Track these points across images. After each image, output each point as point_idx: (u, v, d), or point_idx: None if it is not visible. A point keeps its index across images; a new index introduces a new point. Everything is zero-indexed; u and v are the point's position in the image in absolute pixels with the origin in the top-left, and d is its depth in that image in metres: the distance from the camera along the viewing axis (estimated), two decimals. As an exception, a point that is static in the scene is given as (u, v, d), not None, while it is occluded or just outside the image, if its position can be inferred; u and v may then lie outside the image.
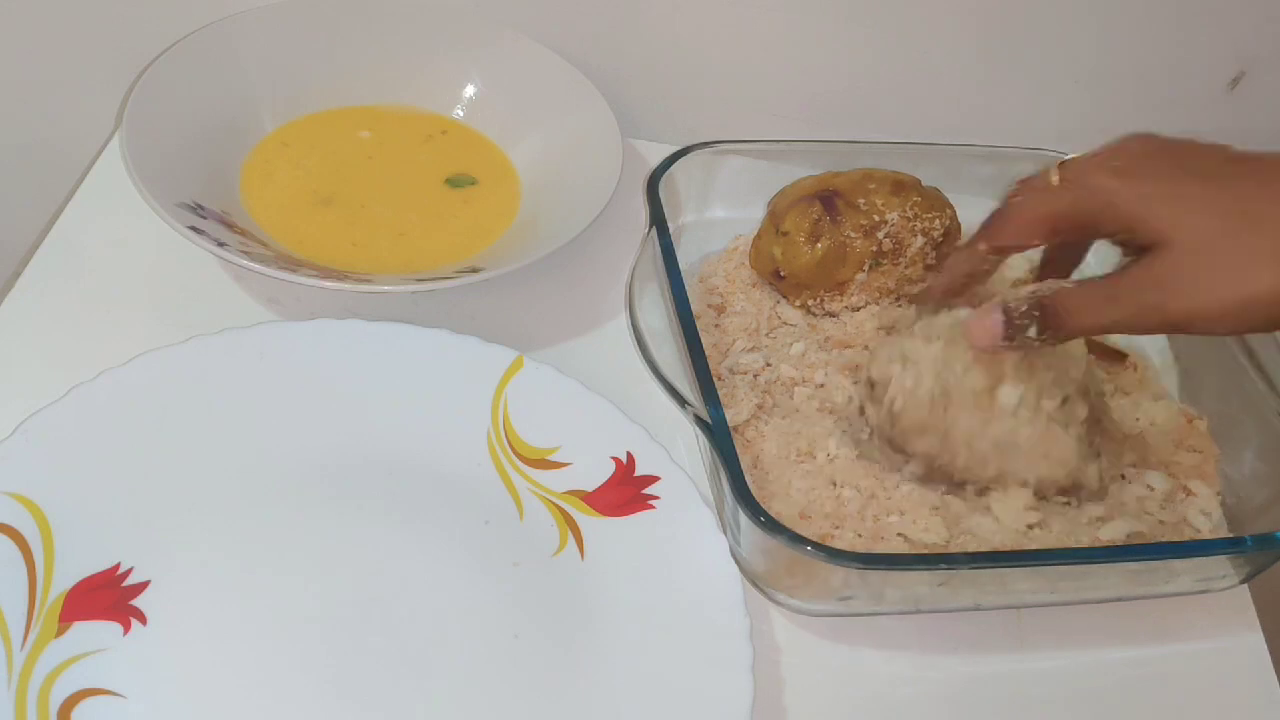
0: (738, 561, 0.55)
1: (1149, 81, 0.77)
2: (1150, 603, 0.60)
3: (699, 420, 0.55)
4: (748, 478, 0.53)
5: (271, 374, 0.56)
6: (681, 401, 0.55)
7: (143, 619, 0.50)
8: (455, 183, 0.71)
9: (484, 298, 0.65)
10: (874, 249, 0.63)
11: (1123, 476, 0.61)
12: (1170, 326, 0.49)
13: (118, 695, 0.47)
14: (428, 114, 0.74)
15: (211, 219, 0.62)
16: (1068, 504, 0.58)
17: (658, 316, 0.61)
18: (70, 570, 0.50)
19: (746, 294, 0.67)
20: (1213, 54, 0.76)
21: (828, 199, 0.63)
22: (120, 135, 0.64)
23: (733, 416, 0.59)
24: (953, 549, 0.56)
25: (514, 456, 0.58)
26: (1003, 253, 0.56)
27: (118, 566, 0.51)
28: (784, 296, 0.66)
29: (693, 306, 0.59)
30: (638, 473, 0.58)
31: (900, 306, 0.65)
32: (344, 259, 0.65)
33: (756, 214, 0.67)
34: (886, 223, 0.62)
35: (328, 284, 0.59)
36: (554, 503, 0.57)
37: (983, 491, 0.57)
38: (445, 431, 0.58)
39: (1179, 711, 0.57)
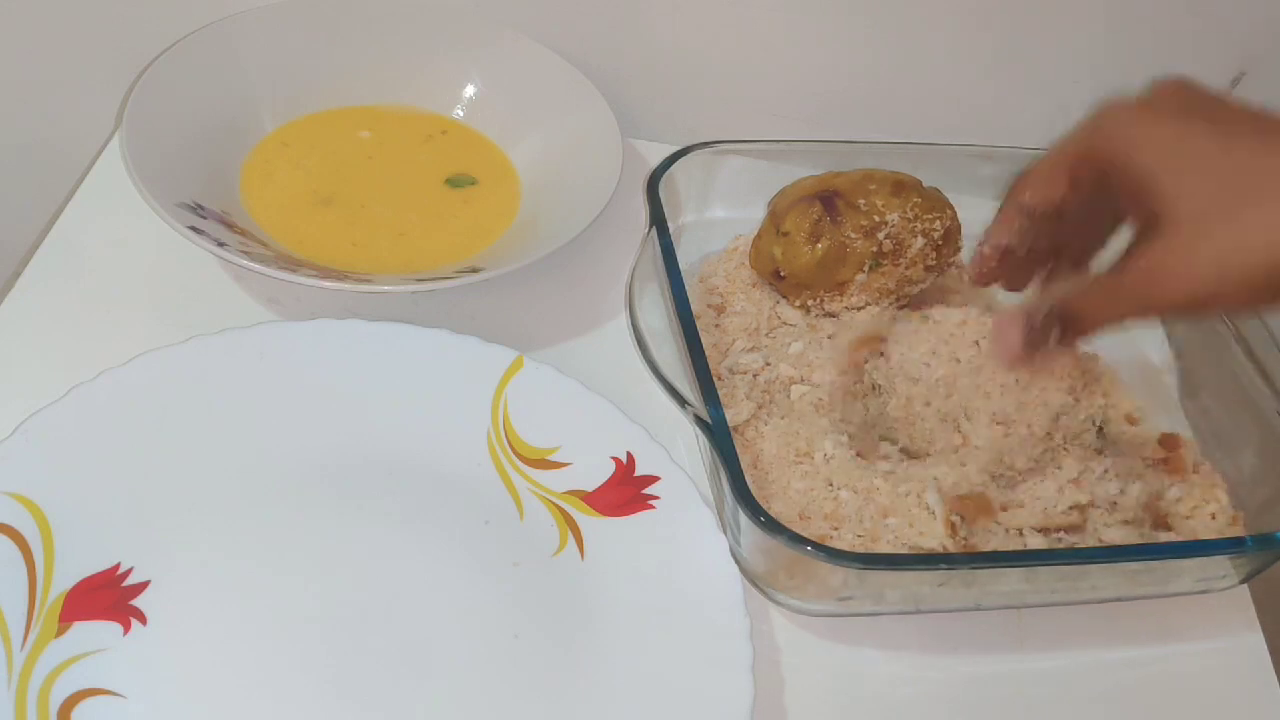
0: (738, 561, 0.55)
1: (1149, 81, 0.77)
2: (1150, 603, 0.60)
3: (699, 420, 0.55)
4: (747, 478, 0.53)
5: (271, 374, 0.56)
6: (681, 401, 0.55)
7: (143, 619, 0.50)
8: (455, 183, 0.71)
9: (484, 298, 0.65)
10: (874, 249, 0.63)
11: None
12: (1180, 310, 0.48)
13: (118, 695, 0.47)
14: (428, 114, 0.74)
15: (211, 219, 0.62)
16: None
17: (658, 316, 0.61)
18: (70, 570, 0.50)
19: (746, 294, 0.67)
20: (1213, 54, 0.76)
21: (828, 199, 0.63)
22: (120, 135, 0.64)
23: (733, 416, 0.59)
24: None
25: (514, 456, 0.58)
26: (1034, 212, 0.52)
27: (118, 566, 0.51)
28: (784, 296, 0.66)
29: (693, 306, 0.59)
30: (638, 473, 0.58)
31: (901, 308, 0.65)
32: (344, 259, 0.65)
33: (756, 214, 0.67)
34: (887, 223, 0.62)
35: (328, 284, 0.59)
36: (554, 503, 0.57)
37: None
38: (445, 431, 0.58)
39: (1179, 711, 0.57)
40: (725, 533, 0.56)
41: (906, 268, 0.64)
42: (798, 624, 0.57)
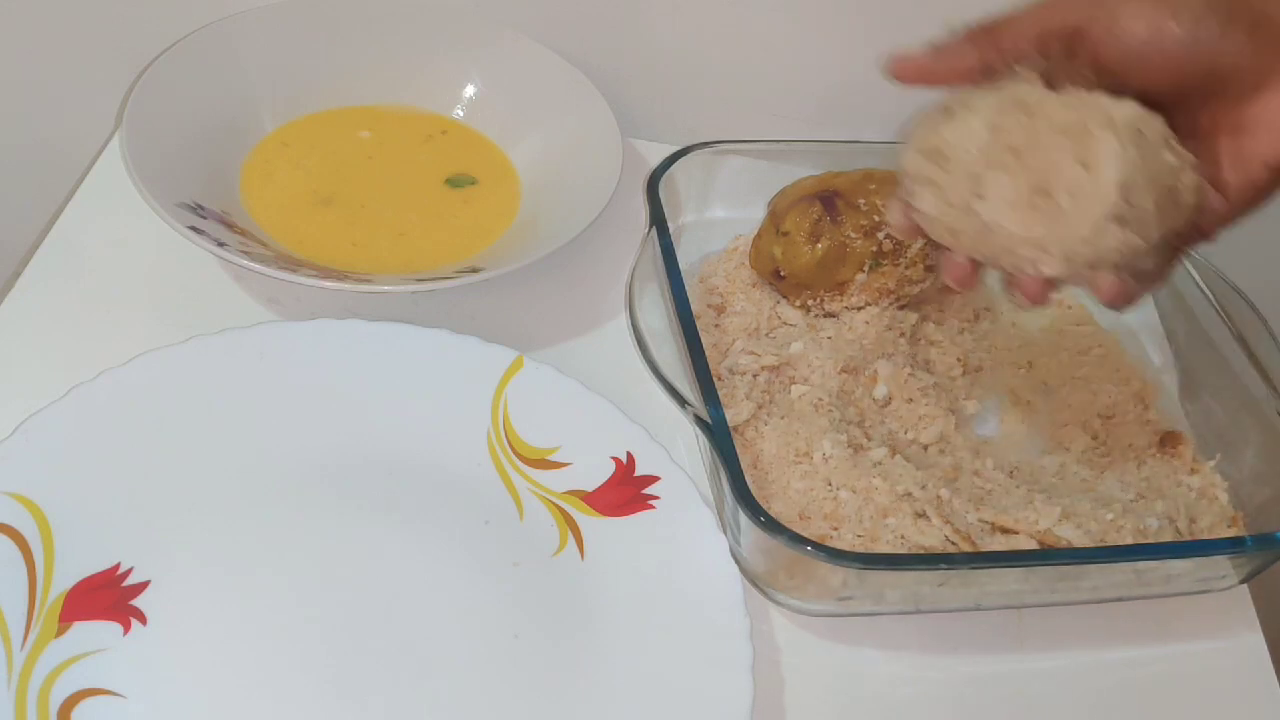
0: (738, 561, 0.55)
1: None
2: (1150, 603, 0.60)
3: (699, 420, 0.55)
4: (747, 478, 0.53)
5: (271, 374, 0.56)
6: (681, 401, 0.55)
7: (143, 619, 0.50)
8: (455, 183, 0.71)
9: (484, 298, 0.65)
10: (874, 249, 0.63)
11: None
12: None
13: (118, 695, 0.47)
14: (428, 114, 0.74)
15: (211, 219, 0.62)
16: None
17: (658, 316, 0.61)
18: (70, 570, 0.50)
19: (746, 294, 0.67)
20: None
21: (828, 199, 0.63)
22: (120, 135, 0.64)
23: (732, 416, 0.59)
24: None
25: (514, 456, 0.58)
26: (1001, 55, 0.50)
27: (118, 566, 0.51)
28: (784, 296, 0.66)
29: (693, 306, 0.59)
30: (638, 473, 0.58)
31: (901, 308, 0.65)
32: (344, 259, 0.65)
33: (756, 214, 0.67)
34: (887, 223, 0.62)
35: (328, 284, 0.59)
36: (554, 503, 0.57)
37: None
38: (445, 431, 0.58)
39: (1179, 711, 0.57)
40: (725, 533, 0.56)
41: (906, 267, 0.64)
42: (798, 624, 0.56)
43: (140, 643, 0.49)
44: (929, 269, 0.64)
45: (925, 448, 0.62)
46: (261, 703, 0.49)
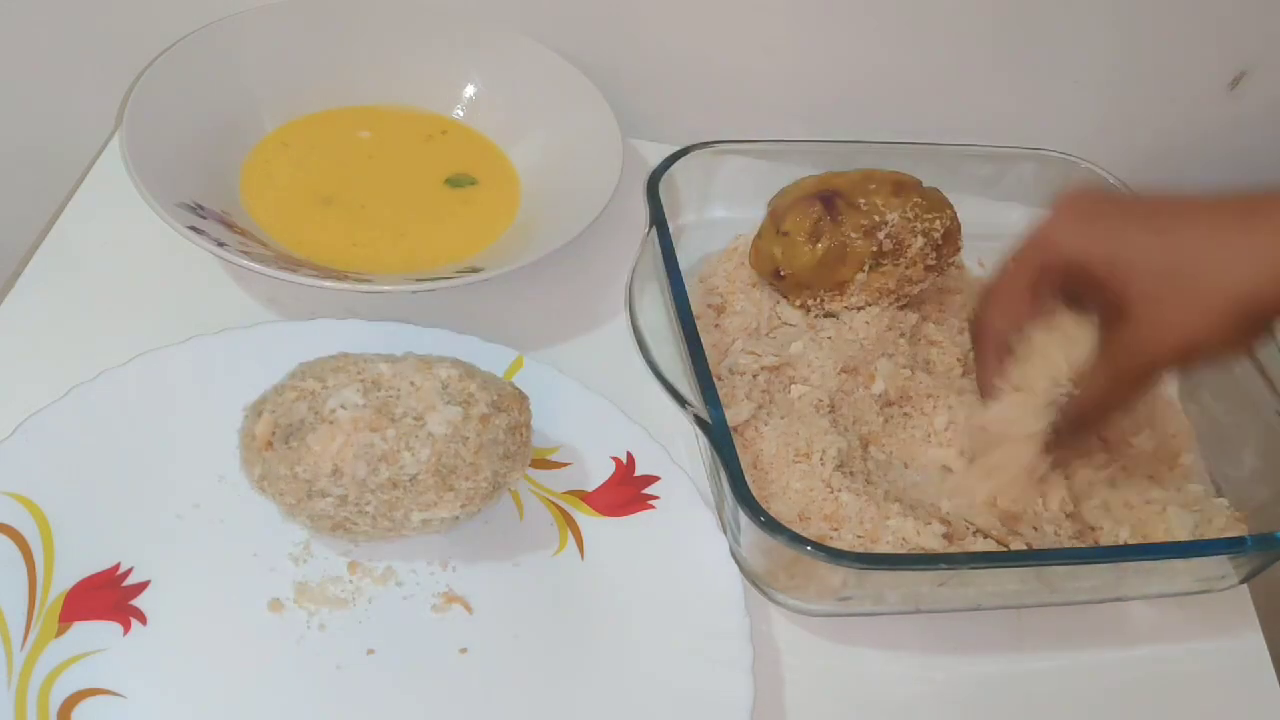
0: (738, 561, 0.55)
1: (1149, 81, 0.77)
2: (1150, 603, 0.60)
3: (699, 420, 0.55)
4: (747, 478, 0.53)
5: (271, 374, 0.56)
6: (681, 401, 0.55)
7: (143, 619, 0.50)
8: (455, 183, 0.71)
9: (484, 298, 0.65)
10: (874, 249, 0.63)
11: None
12: (1166, 367, 0.53)
13: (118, 695, 0.47)
14: (428, 114, 0.74)
15: (211, 219, 0.62)
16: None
17: (658, 316, 0.61)
18: (70, 570, 0.50)
19: (746, 294, 0.67)
20: (1213, 54, 0.76)
21: (828, 199, 0.63)
22: (120, 135, 0.64)
23: (732, 416, 0.59)
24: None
25: (514, 456, 0.58)
26: (1001, 335, 0.57)
27: (118, 566, 0.51)
28: (784, 296, 0.66)
29: (693, 306, 0.59)
30: (638, 473, 0.58)
31: (901, 308, 0.65)
32: (344, 259, 0.65)
33: (756, 214, 0.67)
34: (887, 223, 0.62)
35: (328, 284, 0.59)
36: (554, 503, 0.57)
37: None
38: (445, 431, 0.58)
39: (1179, 711, 0.57)
40: (725, 533, 0.56)
41: (906, 267, 0.64)
42: (798, 624, 0.56)
43: (140, 643, 0.49)
44: (929, 269, 0.64)
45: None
46: (261, 702, 0.49)
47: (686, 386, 0.56)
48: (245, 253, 0.60)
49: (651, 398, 0.58)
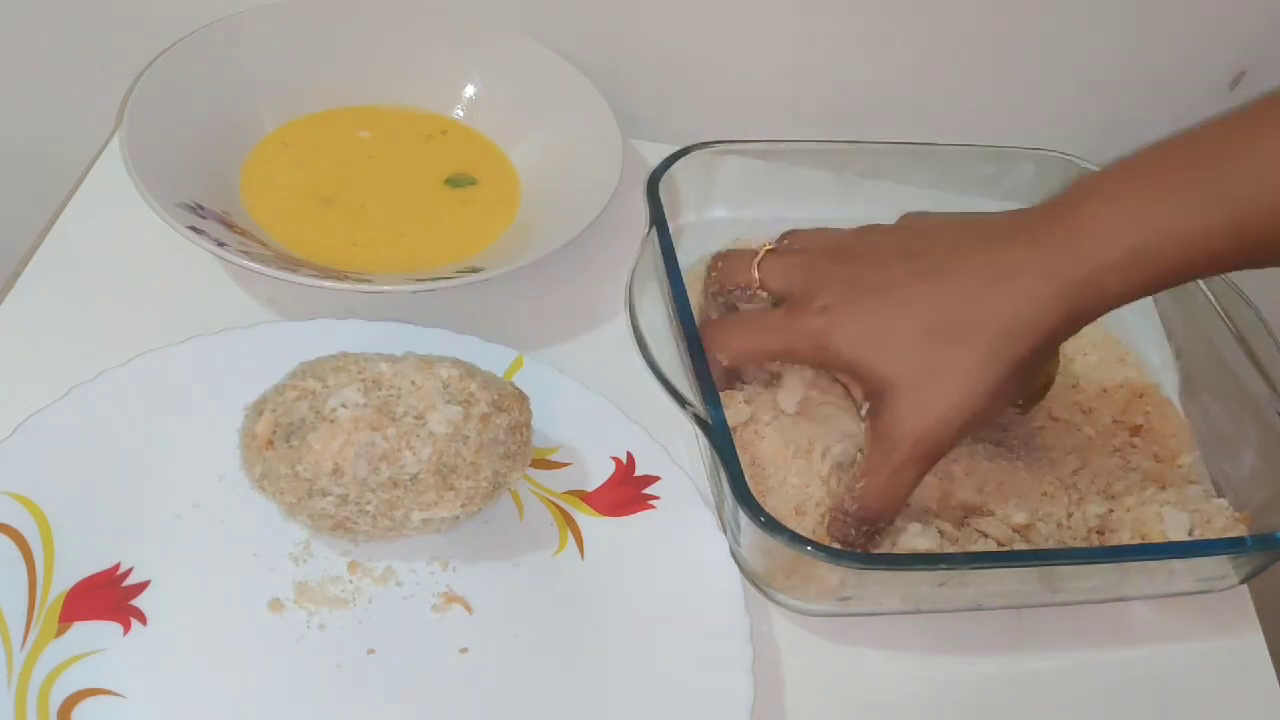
0: (738, 561, 0.55)
1: (1149, 81, 0.77)
2: (1150, 603, 0.60)
3: (699, 420, 0.55)
4: (747, 477, 0.53)
5: (271, 374, 0.56)
6: (681, 401, 0.55)
7: (143, 619, 0.50)
8: (455, 183, 0.71)
9: (484, 298, 0.65)
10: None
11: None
12: (951, 447, 0.54)
13: (118, 695, 0.47)
14: (428, 114, 0.74)
15: (211, 219, 0.62)
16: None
17: (658, 316, 0.61)
18: (70, 570, 0.50)
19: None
20: (1213, 54, 0.76)
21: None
22: (120, 135, 0.64)
23: (732, 417, 0.58)
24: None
25: (514, 456, 0.58)
26: (728, 369, 0.59)
27: (118, 566, 0.51)
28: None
29: (692, 306, 0.59)
30: (638, 473, 0.58)
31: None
32: (344, 259, 0.65)
33: (756, 214, 0.67)
34: None
35: (328, 284, 0.59)
36: (554, 503, 0.57)
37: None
38: (445, 431, 0.58)
39: (1179, 711, 0.57)
40: (725, 533, 0.56)
41: None
42: (798, 624, 0.56)
43: (140, 643, 0.49)
44: None
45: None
46: (262, 702, 0.49)
47: (686, 386, 0.56)
48: (245, 253, 0.60)
49: (651, 398, 0.58)
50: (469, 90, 0.74)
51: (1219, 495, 0.63)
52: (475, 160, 0.72)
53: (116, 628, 0.49)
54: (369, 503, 0.50)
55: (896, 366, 0.53)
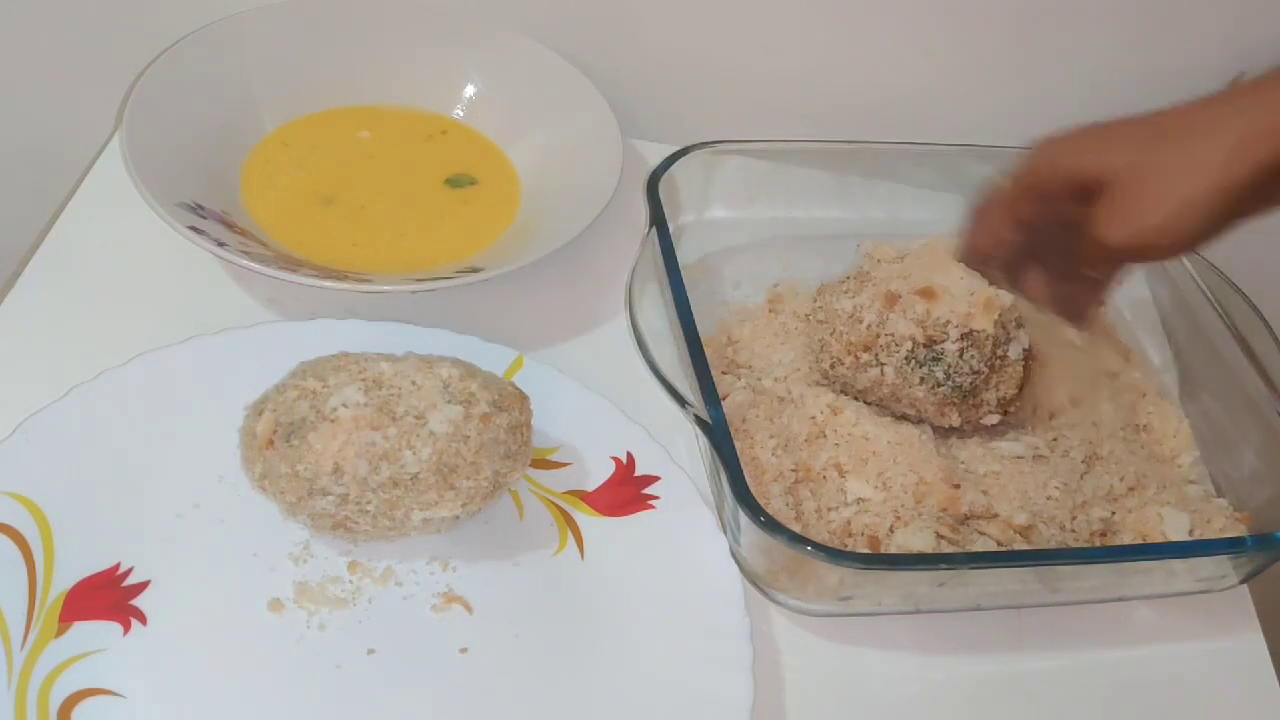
0: (738, 561, 0.55)
1: (1149, 81, 0.77)
2: (1150, 603, 0.60)
3: (699, 420, 0.55)
4: (747, 477, 0.53)
5: (271, 374, 0.56)
6: (681, 401, 0.55)
7: (143, 619, 0.50)
8: (455, 183, 0.71)
9: (484, 298, 0.65)
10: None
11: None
12: (1149, 252, 0.52)
13: (118, 695, 0.47)
14: (428, 114, 0.74)
15: (211, 219, 0.62)
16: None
17: (658, 316, 0.61)
18: (70, 570, 0.50)
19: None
20: (1213, 54, 0.76)
21: None
22: (120, 135, 0.64)
23: (732, 402, 0.58)
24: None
25: (514, 456, 0.58)
26: (987, 259, 0.58)
27: (118, 566, 0.51)
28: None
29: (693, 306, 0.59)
30: (638, 473, 0.58)
31: None
32: (344, 259, 0.65)
33: (756, 214, 0.67)
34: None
35: (328, 284, 0.59)
36: (554, 503, 0.57)
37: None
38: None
39: (1179, 711, 0.57)
40: (725, 533, 0.56)
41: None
42: (798, 624, 0.56)
43: (140, 643, 0.49)
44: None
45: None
46: (262, 702, 0.49)
47: (686, 386, 0.56)
48: (245, 253, 0.60)
49: (651, 398, 0.58)
50: (469, 90, 0.74)
51: (1219, 495, 0.64)
52: (475, 160, 0.72)
53: (116, 628, 0.49)
54: (369, 502, 0.50)
55: (1117, 160, 0.52)
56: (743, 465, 0.54)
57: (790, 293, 0.67)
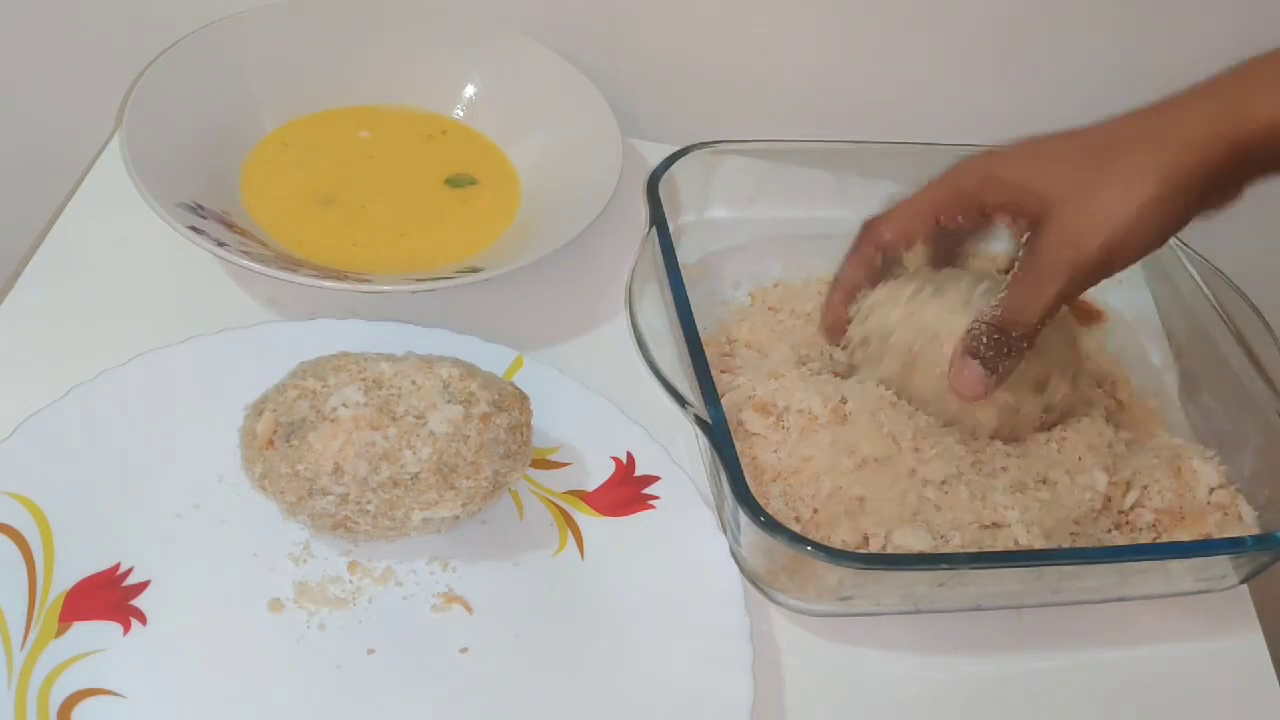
0: (738, 561, 0.55)
1: (1149, 81, 0.77)
2: (1150, 603, 0.60)
3: (699, 420, 0.55)
4: (747, 477, 0.53)
5: (271, 374, 0.56)
6: (681, 401, 0.55)
7: (143, 619, 0.50)
8: (455, 183, 0.71)
9: (484, 298, 0.65)
10: None
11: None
12: (1101, 268, 0.53)
13: (118, 695, 0.47)
14: (428, 114, 0.74)
15: (211, 219, 0.62)
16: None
17: (658, 316, 0.61)
18: (70, 570, 0.50)
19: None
20: (1213, 54, 0.76)
21: None
22: (120, 135, 0.64)
23: (730, 399, 0.58)
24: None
25: (514, 456, 0.58)
26: (889, 249, 0.59)
27: (118, 566, 0.51)
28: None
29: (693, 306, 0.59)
30: (638, 473, 0.58)
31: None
32: (344, 259, 0.65)
33: (756, 214, 0.67)
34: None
35: (328, 284, 0.59)
36: (554, 503, 0.57)
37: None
38: (445, 431, 0.58)
39: (1179, 711, 0.57)
40: (725, 533, 0.56)
41: None
42: (798, 624, 0.56)
43: (140, 643, 0.49)
44: None
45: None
46: (262, 702, 0.49)
47: (686, 386, 0.56)
48: (245, 253, 0.60)
49: (651, 398, 0.58)
50: (469, 90, 0.74)
51: None
52: (475, 160, 0.72)
53: (116, 628, 0.49)
54: (369, 502, 0.50)
55: (1056, 180, 0.53)
56: (743, 465, 0.54)
57: (790, 292, 0.67)
